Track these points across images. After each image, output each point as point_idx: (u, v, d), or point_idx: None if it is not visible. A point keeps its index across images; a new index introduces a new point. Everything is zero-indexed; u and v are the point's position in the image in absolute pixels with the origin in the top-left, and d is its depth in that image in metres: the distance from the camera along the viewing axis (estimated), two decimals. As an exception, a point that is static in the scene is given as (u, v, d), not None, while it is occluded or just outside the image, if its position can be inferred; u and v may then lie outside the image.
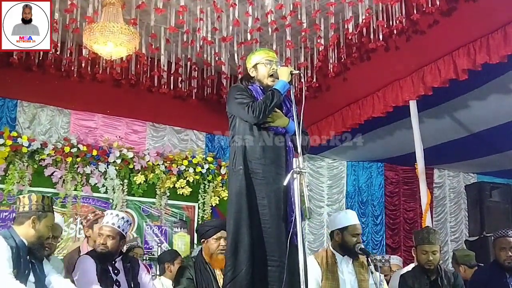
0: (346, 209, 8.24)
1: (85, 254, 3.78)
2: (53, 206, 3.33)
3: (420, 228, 4.63)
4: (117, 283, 3.60)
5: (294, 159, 2.89)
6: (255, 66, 3.40)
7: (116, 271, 3.65)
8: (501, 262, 4.12)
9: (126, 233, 3.83)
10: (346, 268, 3.72)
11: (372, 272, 3.65)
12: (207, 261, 3.79)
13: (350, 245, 3.72)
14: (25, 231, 3.09)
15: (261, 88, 3.36)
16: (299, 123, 3.01)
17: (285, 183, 2.89)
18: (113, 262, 3.68)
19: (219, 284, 3.59)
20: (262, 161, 3.16)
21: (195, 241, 6.80)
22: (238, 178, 3.14)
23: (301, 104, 3.09)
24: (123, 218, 3.78)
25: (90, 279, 3.47)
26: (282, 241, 3.01)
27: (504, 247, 4.13)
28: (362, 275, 3.71)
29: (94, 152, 6.54)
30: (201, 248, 3.95)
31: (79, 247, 4.51)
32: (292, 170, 2.83)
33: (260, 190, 3.13)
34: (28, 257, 3.08)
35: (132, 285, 3.67)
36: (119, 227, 3.72)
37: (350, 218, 3.81)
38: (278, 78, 3.28)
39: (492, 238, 4.36)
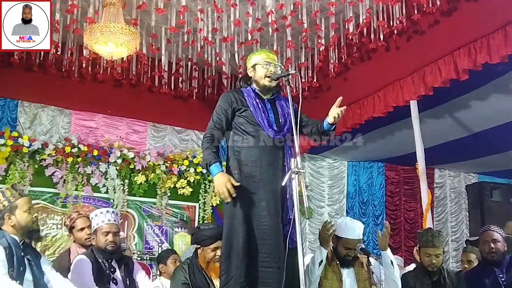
0: (347, 209, 8.26)
1: (81, 254, 3.76)
2: (20, 189, 3.28)
3: (424, 229, 4.61)
4: (114, 281, 3.63)
5: (292, 159, 2.87)
6: (253, 67, 3.39)
7: (112, 269, 3.68)
8: (485, 256, 4.15)
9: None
10: (346, 269, 3.73)
11: (372, 272, 3.65)
12: (203, 267, 3.78)
13: (339, 255, 3.73)
14: (10, 229, 3.06)
15: (255, 90, 3.37)
16: (296, 122, 2.99)
17: (283, 183, 2.89)
18: (109, 261, 3.70)
19: (215, 286, 3.58)
20: (259, 163, 3.16)
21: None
22: None
23: (299, 103, 3.11)
24: (116, 213, 3.88)
25: (86, 281, 3.46)
26: (281, 242, 3.01)
27: (487, 240, 4.15)
28: (361, 275, 3.71)
29: (95, 152, 6.55)
30: (196, 251, 3.93)
31: (69, 248, 4.51)
32: (290, 171, 2.82)
33: (257, 193, 3.12)
34: (22, 253, 3.04)
35: (128, 283, 3.70)
36: (118, 222, 3.82)
37: (347, 231, 3.74)
38: (275, 80, 3.30)
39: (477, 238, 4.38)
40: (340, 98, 3.21)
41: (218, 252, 3.63)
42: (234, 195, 3.02)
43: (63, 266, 4.03)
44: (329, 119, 3.25)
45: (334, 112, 3.21)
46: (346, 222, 3.83)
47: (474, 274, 4.37)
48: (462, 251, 5.57)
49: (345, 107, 3.23)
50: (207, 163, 3.15)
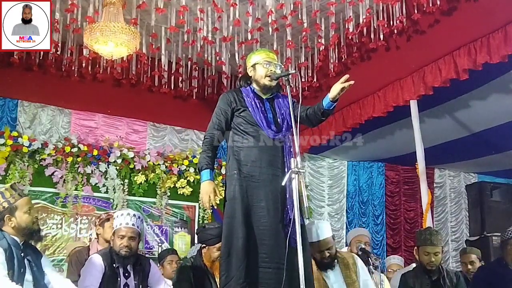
0: (347, 209, 8.26)
1: (97, 253, 3.67)
2: (20, 188, 3.20)
3: (422, 228, 4.61)
4: (126, 287, 3.54)
5: (292, 159, 2.86)
6: (253, 66, 3.39)
7: (126, 274, 3.57)
8: None
9: (141, 230, 3.77)
10: (332, 273, 3.62)
11: (372, 272, 3.64)
12: (207, 266, 3.77)
13: (317, 260, 3.61)
14: (10, 231, 3.03)
15: (254, 90, 3.38)
16: (296, 122, 2.98)
17: (283, 183, 2.89)
18: (125, 265, 3.59)
19: (218, 286, 3.58)
20: (258, 164, 3.17)
21: (196, 241, 6.81)
22: (232, 182, 3.16)
23: (299, 105, 3.10)
24: (139, 217, 3.73)
25: (88, 284, 3.42)
26: (281, 242, 3.00)
27: None
28: (349, 278, 3.63)
29: (95, 152, 6.54)
30: (201, 251, 3.93)
31: (88, 245, 4.51)
32: (290, 170, 2.82)
33: (257, 193, 3.12)
34: (22, 254, 3.02)
35: None
36: (138, 227, 3.66)
37: (312, 235, 3.61)
38: (275, 79, 3.29)
39: (507, 237, 4.28)
40: (347, 76, 3.11)
41: None
42: (214, 206, 3.14)
43: (81, 260, 4.03)
44: (331, 94, 3.15)
45: (339, 87, 3.11)
46: (310, 228, 3.67)
47: (487, 273, 4.37)
48: (462, 253, 5.53)
49: (352, 82, 3.08)
50: (199, 167, 3.23)
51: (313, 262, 3.63)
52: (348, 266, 3.68)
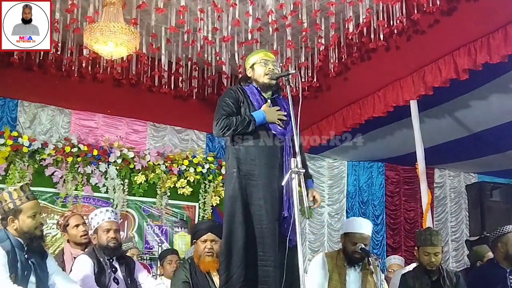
0: (347, 209, 8.27)
1: (83, 254, 3.74)
2: (30, 191, 3.10)
3: (422, 229, 4.62)
4: (115, 281, 3.63)
5: (292, 159, 2.87)
6: (252, 67, 3.41)
7: (114, 269, 3.68)
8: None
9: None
10: (353, 272, 3.70)
11: (372, 272, 3.65)
12: (196, 262, 3.78)
13: (348, 252, 3.73)
14: (13, 232, 2.98)
15: (257, 88, 3.37)
16: (297, 122, 2.99)
17: (283, 183, 2.90)
18: (111, 260, 3.70)
19: (216, 284, 3.58)
20: (257, 162, 3.17)
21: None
22: (232, 181, 3.16)
23: (299, 104, 3.10)
24: (115, 212, 3.93)
25: (87, 281, 3.45)
26: (278, 242, 3.02)
27: None
28: (369, 284, 3.66)
29: (95, 152, 6.55)
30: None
31: (62, 249, 4.48)
32: (290, 170, 2.82)
33: (256, 192, 3.13)
34: (26, 256, 2.97)
35: (130, 282, 3.70)
36: (117, 220, 3.86)
37: (354, 225, 3.80)
38: (275, 79, 3.29)
39: (496, 235, 4.32)
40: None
41: (208, 245, 3.65)
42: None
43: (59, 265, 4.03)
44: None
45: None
46: (354, 218, 3.93)
47: (482, 273, 4.42)
48: (475, 253, 5.52)
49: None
50: (247, 121, 3.17)
51: (341, 254, 3.74)
52: (369, 273, 3.72)
